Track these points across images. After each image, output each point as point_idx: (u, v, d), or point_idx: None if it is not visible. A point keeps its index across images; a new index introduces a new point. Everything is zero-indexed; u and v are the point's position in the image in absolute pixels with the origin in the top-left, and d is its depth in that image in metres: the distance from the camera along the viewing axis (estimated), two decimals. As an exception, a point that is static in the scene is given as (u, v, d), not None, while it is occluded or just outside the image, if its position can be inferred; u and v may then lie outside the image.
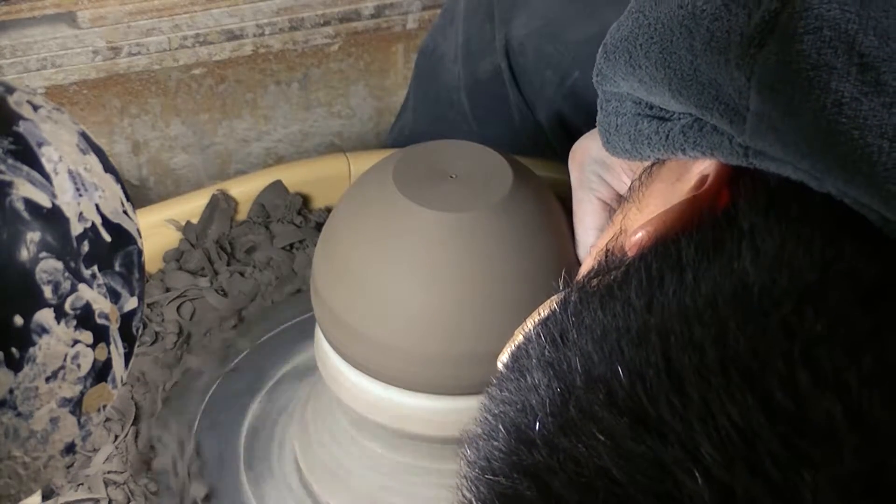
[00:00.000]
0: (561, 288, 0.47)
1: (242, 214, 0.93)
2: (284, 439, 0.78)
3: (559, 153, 0.92)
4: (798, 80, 0.40)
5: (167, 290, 0.87)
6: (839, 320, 0.36)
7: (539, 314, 0.47)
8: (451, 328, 0.64)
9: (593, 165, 0.67)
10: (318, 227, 0.91)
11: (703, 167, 0.49)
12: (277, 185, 0.94)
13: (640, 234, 0.45)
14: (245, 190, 0.93)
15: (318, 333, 0.71)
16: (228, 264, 0.90)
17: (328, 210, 0.95)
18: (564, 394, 0.37)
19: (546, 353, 0.40)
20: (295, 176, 0.95)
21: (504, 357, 0.49)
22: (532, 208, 0.66)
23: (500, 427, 0.39)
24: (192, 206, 0.92)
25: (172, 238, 0.90)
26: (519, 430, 0.38)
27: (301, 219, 0.93)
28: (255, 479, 0.76)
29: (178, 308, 0.86)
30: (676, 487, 0.33)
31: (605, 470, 0.34)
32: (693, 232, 0.43)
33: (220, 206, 0.91)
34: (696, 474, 0.32)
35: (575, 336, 0.40)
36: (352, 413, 0.70)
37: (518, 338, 0.49)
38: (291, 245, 0.92)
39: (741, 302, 0.37)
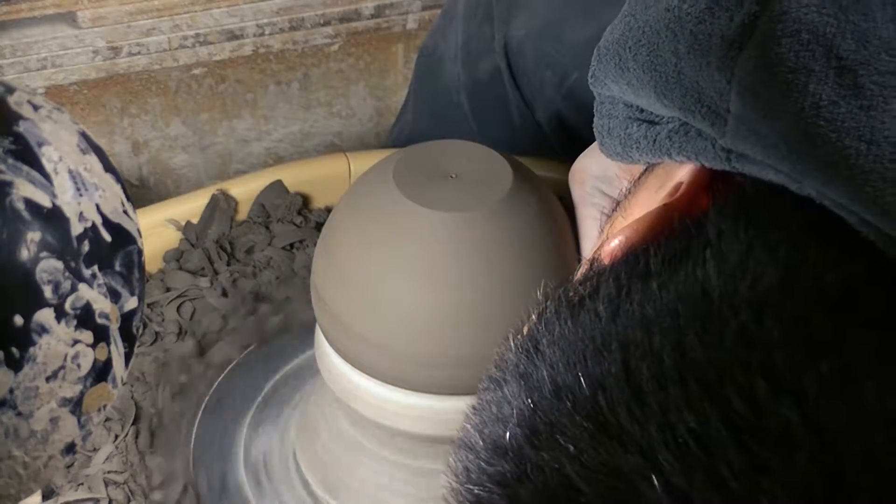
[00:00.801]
0: (540, 298, 0.47)
1: (242, 214, 0.93)
2: (285, 438, 0.78)
3: (559, 153, 0.92)
4: (777, 83, 0.40)
5: (167, 289, 0.87)
6: (798, 326, 0.36)
7: (521, 324, 0.47)
8: (450, 328, 0.64)
9: (594, 181, 0.67)
10: (318, 227, 0.91)
11: (682, 174, 0.49)
12: (277, 185, 0.94)
13: (613, 243, 0.46)
14: (245, 190, 0.93)
15: (318, 333, 0.71)
16: (228, 264, 0.90)
17: (328, 210, 0.95)
18: (533, 404, 0.38)
19: (520, 364, 0.41)
20: (295, 176, 0.95)
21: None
22: (532, 208, 0.66)
23: (478, 437, 0.39)
24: (192, 206, 0.92)
25: (172, 238, 0.90)
26: (493, 441, 0.38)
27: (301, 219, 0.93)
28: (255, 478, 0.76)
29: (178, 308, 0.86)
30: (635, 495, 0.33)
31: (567, 478, 0.34)
32: (662, 240, 0.43)
33: (221, 206, 0.91)
34: (655, 482, 0.33)
35: (545, 347, 0.40)
36: (351, 413, 0.70)
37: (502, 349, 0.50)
38: (291, 245, 0.92)
39: (701, 310, 0.37)
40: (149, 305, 0.85)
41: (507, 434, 0.38)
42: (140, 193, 1.16)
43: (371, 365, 0.66)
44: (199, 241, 0.90)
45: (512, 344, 0.43)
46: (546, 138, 0.94)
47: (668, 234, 0.43)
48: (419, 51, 1.05)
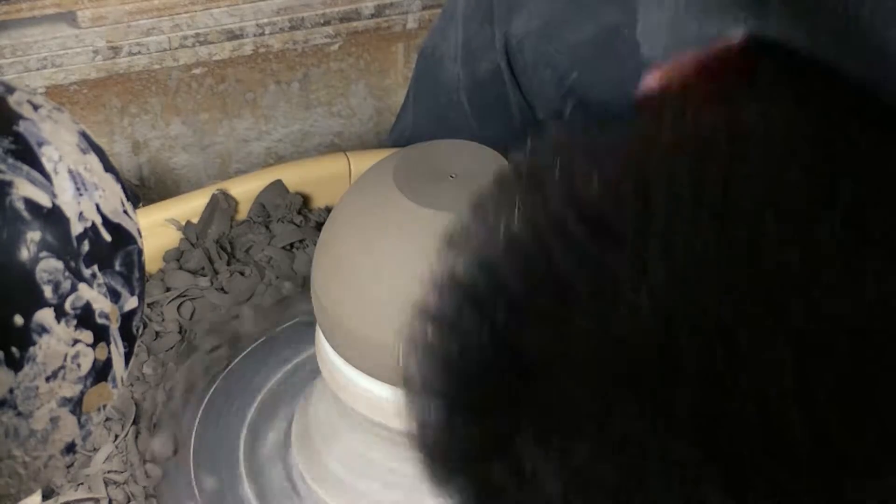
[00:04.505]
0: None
1: (242, 214, 0.93)
2: (285, 437, 0.78)
3: (559, 153, 0.92)
4: None
5: (167, 289, 0.87)
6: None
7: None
8: (450, 328, 0.64)
9: None
10: (318, 226, 0.91)
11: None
12: (277, 185, 0.94)
13: (654, 74, 0.46)
14: (245, 189, 0.94)
15: (318, 333, 0.71)
16: (228, 264, 0.90)
17: (328, 210, 0.95)
18: (538, 203, 0.39)
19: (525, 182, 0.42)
20: (295, 176, 0.95)
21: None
22: (532, 208, 0.66)
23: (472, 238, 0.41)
24: (192, 206, 0.92)
25: (172, 238, 0.91)
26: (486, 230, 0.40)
27: (301, 219, 0.93)
28: (256, 479, 0.76)
29: (179, 308, 0.86)
30: (618, 295, 0.33)
31: (554, 263, 0.36)
32: (703, 80, 0.43)
33: (221, 205, 0.91)
34: (642, 289, 0.33)
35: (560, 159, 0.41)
36: (351, 412, 0.70)
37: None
38: (291, 245, 0.92)
39: (731, 145, 0.38)
40: (149, 305, 0.85)
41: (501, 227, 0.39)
42: (140, 193, 1.16)
43: (370, 364, 0.66)
44: (199, 240, 0.90)
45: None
46: (546, 138, 0.94)
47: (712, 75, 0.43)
48: (419, 51, 1.05)
